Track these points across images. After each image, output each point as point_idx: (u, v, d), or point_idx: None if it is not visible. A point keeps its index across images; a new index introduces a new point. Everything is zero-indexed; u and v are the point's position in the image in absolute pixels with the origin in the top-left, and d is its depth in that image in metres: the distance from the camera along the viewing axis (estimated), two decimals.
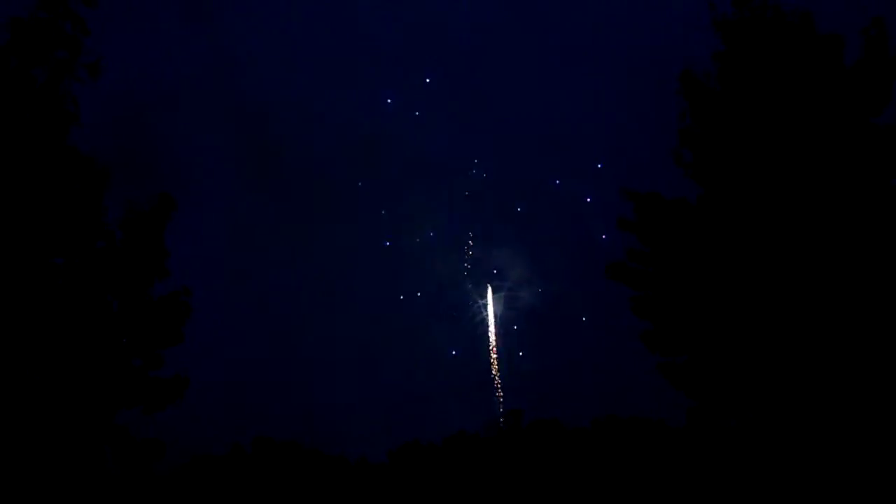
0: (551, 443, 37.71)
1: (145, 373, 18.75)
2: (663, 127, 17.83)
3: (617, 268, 17.09)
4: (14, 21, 16.77)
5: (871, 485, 14.76)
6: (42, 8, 17.05)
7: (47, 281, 17.25)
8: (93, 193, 17.96)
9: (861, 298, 15.02)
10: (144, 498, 27.11)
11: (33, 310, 16.76)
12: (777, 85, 16.22)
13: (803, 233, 15.48)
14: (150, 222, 19.05)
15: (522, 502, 33.81)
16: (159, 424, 19.69)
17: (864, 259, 15.10)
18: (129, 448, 18.54)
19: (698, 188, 16.93)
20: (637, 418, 35.79)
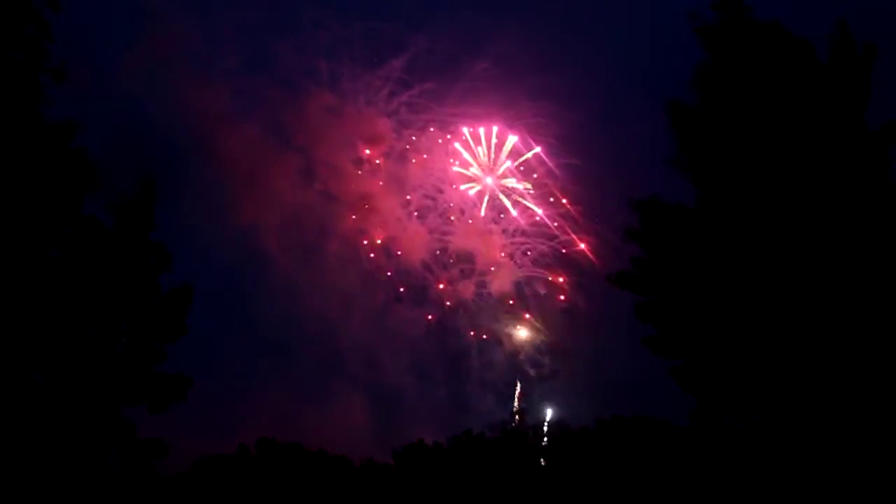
0: (556, 443, 37.77)
1: (149, 368, 18.81)
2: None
3: (622, 276, 17.23)
4: None
5: (875, 484, 14.78)
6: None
7: (44, 275, 17.30)
8: (82, 186, 17.92)
9: (861, 297, 15.04)
10: (150, 497, 27.23)
11: (34, 308, 16.82)
12: (765, 86, 16.24)
13: (801, 235, 15.52)
14: (138, 209, 19.06)
15: (528, 503, 33.85)
16: (164, 425, 19.79)
17: (863, 257, 15.13)
18: (132, 447, 18.63)
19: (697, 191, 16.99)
20: (641, 418, 35.77)
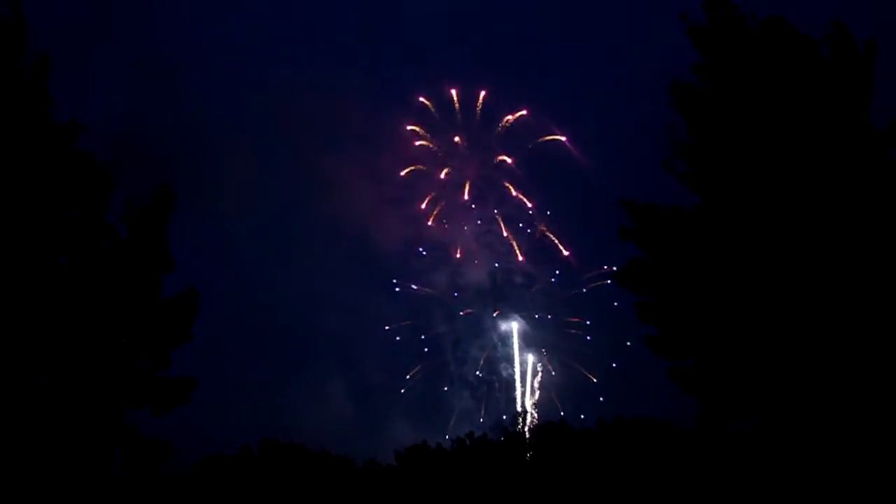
0: (559, 445, 37.70)
1: (153, 373, 18.80)
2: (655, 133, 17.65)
3: (623, 274, 17.18)
4: None
5: (879, 486, 14.75)
6: None
7: (52, 281, 17.33)
8: (96, 193, 17.96)
9: (863, 298, 15.01)
10: (154, 497, 27.29)
11: (39, 310, 16.86)
12: (761, 86, 16.19)
13: (804, 235, 15.48)
14: (153, 217, 18.98)
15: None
16: (170, 425, 19.81)
17: (864, 258, 15.11)
18: (137, 448, 18.61)
19: (693, 195, 16.93)
20: (644, 420, 35.75)
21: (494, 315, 59.61)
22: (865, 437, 14.92)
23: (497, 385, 58.41)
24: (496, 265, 60.41)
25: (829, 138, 15.54)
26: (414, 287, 61.74)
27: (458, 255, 61.23)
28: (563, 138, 59.99)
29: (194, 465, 37.42)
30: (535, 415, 53.57)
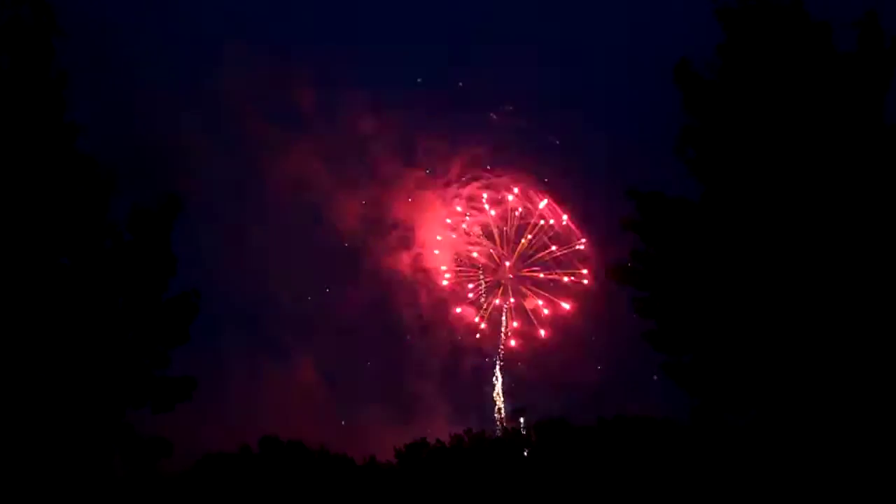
0: (558, 441, 37.81)
1: (153, 372, 18.91)
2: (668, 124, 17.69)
3: (620, 270, 17.18)
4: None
5: (875, 483, 14.83)
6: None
7: (54, 281, 17.42)
8: (98, 194, 18.12)
9: (866, 295, 15.07)
10: (154, 496, 27.33)
11: (41, 309, 16.93)
12: (782, 75, 16.16)
13: (807, 229, 15.52)
14: (158, 223, 19.17)
15: (530, 501, 33.91)
16: (170, 423, 19.87)
17: (869, 254, 15.15)
18: (136, 447, 18.70)
19: (701, 186, 16.94)
20: (643, 417, 35.85)
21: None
22: (862, 432, 15.00)
23: (468, 377, 56.82)
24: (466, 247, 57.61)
25: (840, 132, 15.53)
26: (378, 270, 58.76)
27: (421, 239, 58.13)
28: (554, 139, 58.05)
29: (195, 463, 37.43)
30: (503, 409, 52.16)
